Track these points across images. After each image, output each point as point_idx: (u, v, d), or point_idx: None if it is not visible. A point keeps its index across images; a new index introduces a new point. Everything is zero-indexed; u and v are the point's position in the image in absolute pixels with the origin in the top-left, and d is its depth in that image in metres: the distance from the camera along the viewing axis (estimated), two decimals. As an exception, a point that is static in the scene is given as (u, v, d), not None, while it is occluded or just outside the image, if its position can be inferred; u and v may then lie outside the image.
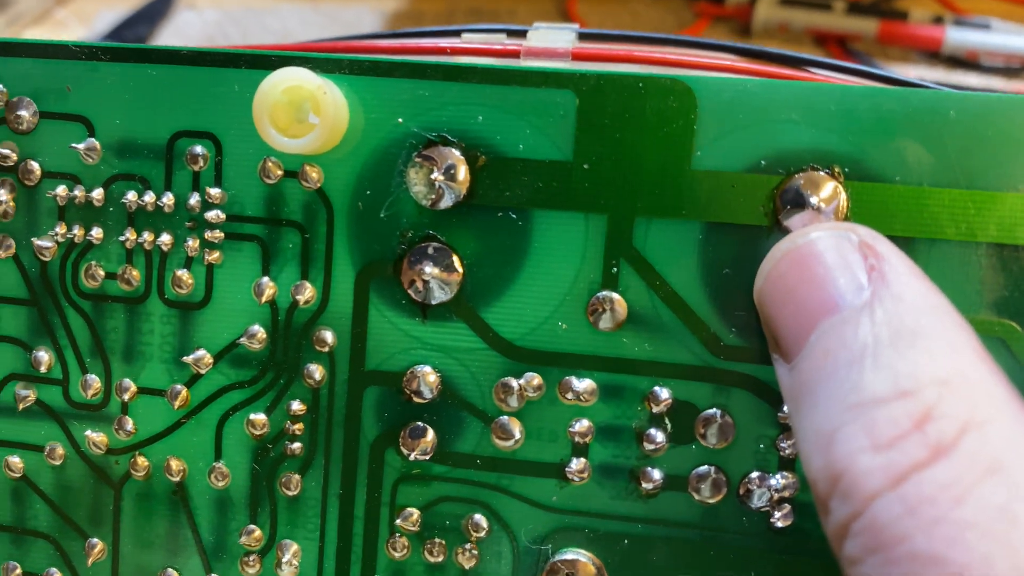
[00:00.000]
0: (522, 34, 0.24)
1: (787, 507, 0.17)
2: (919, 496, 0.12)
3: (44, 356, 0.19)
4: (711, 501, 0.18)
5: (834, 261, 0.15)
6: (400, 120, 0.18)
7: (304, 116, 0.17)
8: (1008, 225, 0.17)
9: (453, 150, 0.17)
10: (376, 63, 0.18)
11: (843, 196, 0.17)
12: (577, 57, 0.22)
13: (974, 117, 0.16)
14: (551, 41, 0.22)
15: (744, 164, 0.17)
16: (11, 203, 0.19)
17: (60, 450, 0.19)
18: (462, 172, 0.17)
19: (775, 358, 0.16)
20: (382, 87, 0.18)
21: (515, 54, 0.22)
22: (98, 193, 0.19)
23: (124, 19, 0.54)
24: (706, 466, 0.18)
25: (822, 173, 0.17)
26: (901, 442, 0.13)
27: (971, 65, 0.49)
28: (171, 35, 0.55)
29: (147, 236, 0.19)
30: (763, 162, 0.17)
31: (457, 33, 0.25)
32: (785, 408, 0.17)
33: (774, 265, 0.16)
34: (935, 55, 0.50)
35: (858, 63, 0.51)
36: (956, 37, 0.50)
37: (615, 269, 0.18)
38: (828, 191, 0.17)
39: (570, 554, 0.18)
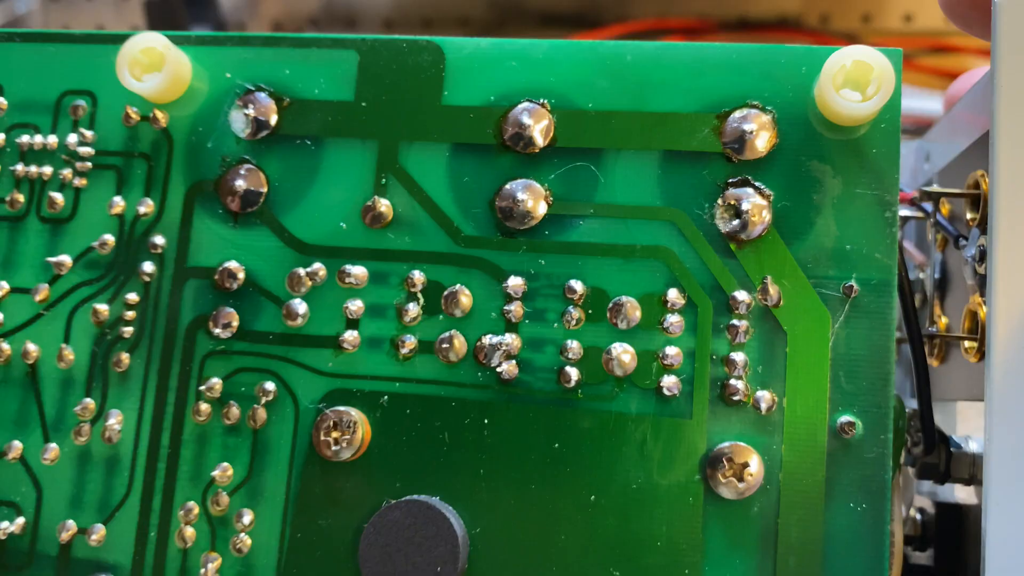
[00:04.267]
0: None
1: (513, 362, 0.21)
2: None
3: (-61, 264, 0.24)
4: (453, 360, 0.22)
5: None
6: (228, 75, 0.23)
7: (158, 67, 0.23)
8: (672, 137, 0.22)
9: (265, 95, 0.23)
10: (214, 36, 0.24)
11: (551, 120, 0.22)
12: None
13: (644, 60, 0.22)
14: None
15: (480, 100, 0.23)
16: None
17: (-60, 342, 0.24)
18: (271, 110, 0.23)
19: None
20: (217, 52, 0.24)
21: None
22: (0, 137, 0.24)
23: None
24: (449, 332, 0.22)
25: (536, 105, 0.22)
26: None
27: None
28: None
29: (33, 168, 0.24)
30: (492, 98, 0.22)
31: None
32: (514, 282, 0.21)
33: None
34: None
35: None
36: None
37: (384, 181, 0.23)
38: (541, 117, 0.22)
39: (339, 410, 0.22)
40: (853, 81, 0.21)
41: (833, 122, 0.21)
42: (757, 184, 0.21)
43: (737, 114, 0.21)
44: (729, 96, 0.22)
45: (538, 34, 0.58)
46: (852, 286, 0.20)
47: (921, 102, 0.56)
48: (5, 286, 0.23)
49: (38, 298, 0.23)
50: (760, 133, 0.21)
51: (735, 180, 0.21)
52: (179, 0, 0.55)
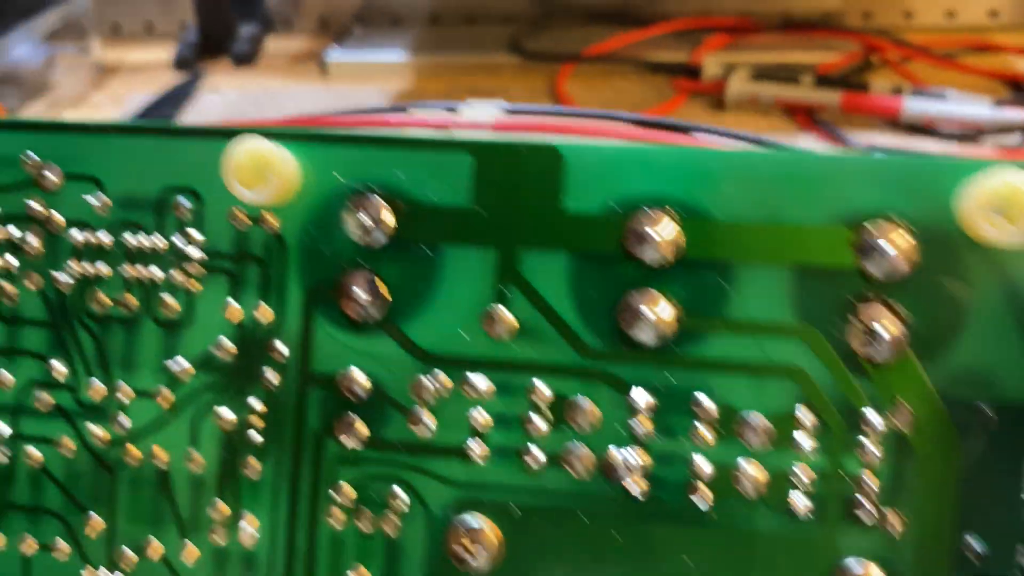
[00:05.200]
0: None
1: (642, 478, 0.22)
2: None
3: (59, 366, 0.24)
4: (581, 474, 0.22)
5: None
6: (339, 177, 0.23)
7: (265, 174, 0.23)
8: (805, 250, 0.21)
9: (380, 199, 0.23)
10: (320, 135, 0.23)
11: (677, 229, 0.21)
12: (498, 127, 0.27)
13: (777, 170, 0.21)
14: (475, 116, 0.28)
15: (601, 208, 0.22)
16: (39, 247, 0.24)
17: (70, 443, 0.24)
18: (387, 216, 0.22)
19: None
20: (325, 152, 0.23)
21: (447, 126, 0.28)
22: (106, 237, 0.24)
23: (152, 102, 0.61)
24: (577, 445, 0.22)
25: (660, 213, 0.22)
26: None
27: (929, 132, 0.53)
28: (194, 115, 0.61)
29: (142, 270, 0.24)
30: (614, 204, 0.22)
31: (404, 109, 0.30)
32: (640, 395, 0.21)
33: None
34: (895, 123, 0.54)
35: (824, 131, 0.55)
36: (913, 106, 0.54)
37: (504, 289, 0.22)
38: (666, 226, 0.21)
39: (471, 520, 0.22)
40: (1000, 201, 0.20)
41: (976, 242, 0.20)
42: (893, 303, 0.21)
43: (873, 228, 0.21)
44: (865, 209, 0.21)
45: (582, 31, 0.57)
46: (986, 410, 0.20)
47: (965, 107, 0.53)
48: (129, 391, 0.24)
49: (162, 403, 0.23)
50: (898, 249, 0.21)
51: (870, 298, 0.21)
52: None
